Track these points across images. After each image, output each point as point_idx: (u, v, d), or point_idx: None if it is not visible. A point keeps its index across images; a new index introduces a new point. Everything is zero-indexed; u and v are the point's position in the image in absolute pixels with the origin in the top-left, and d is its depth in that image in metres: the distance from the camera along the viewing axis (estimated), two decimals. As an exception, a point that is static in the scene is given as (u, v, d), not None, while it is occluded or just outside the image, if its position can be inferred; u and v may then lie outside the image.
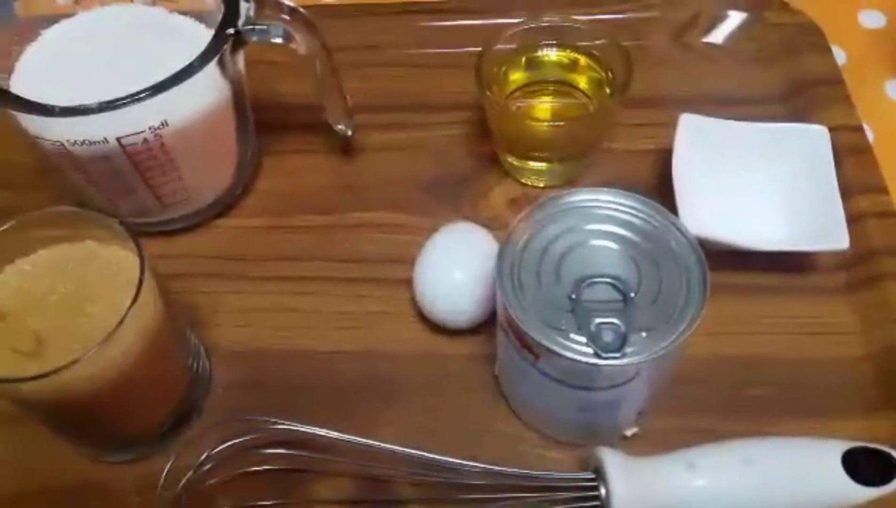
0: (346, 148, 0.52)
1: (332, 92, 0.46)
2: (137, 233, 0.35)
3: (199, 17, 0.46)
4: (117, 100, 0.37)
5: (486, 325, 0.42)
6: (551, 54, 0.48)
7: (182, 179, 0.44)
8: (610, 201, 0.36)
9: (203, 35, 0.45)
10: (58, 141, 0.39)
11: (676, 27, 0.56)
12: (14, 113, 0.39)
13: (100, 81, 0.41)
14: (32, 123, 0.39)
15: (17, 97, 0.38)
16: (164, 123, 0.40)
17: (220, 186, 0.48)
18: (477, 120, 0.52)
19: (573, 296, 0.34)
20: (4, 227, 0.36)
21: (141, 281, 0.34)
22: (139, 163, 0.41)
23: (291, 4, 0.41)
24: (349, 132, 0.48)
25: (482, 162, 0.51)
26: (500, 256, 0.35)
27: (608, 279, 0.34)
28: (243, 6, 0.41)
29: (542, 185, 0.49)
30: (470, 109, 0.52)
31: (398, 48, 0.56)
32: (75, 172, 0.42)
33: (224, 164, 0.47)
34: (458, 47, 0.54)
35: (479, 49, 0.46)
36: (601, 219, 0.36)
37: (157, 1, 0.47)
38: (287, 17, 0.41)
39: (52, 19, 0.46)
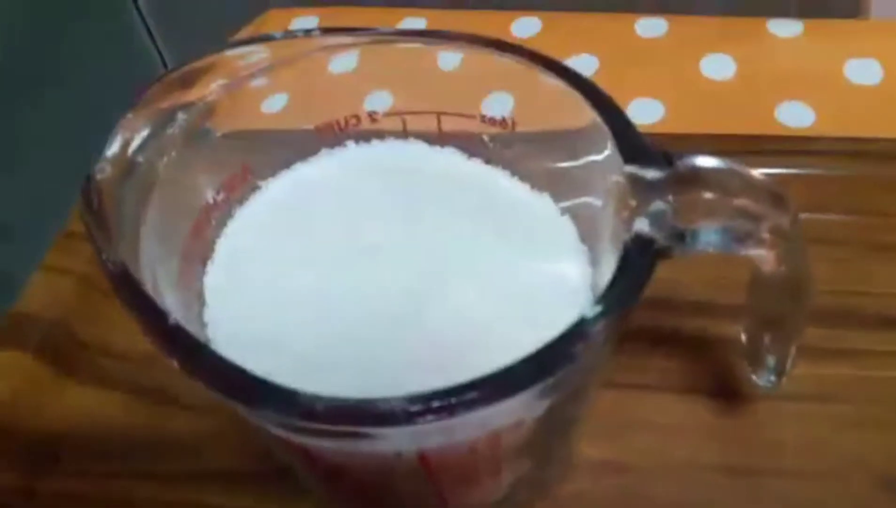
0: (732, 392, 0.30)
1: (783, 324, 0.24)
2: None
3: (535, 175, 0.25)
4: (451, 401, 0.16)
5: None
6: None
7: (500, 480, 0.23)
8: None
9: (543, 210, 0.25)
10: (297, 441, 0.19)
11: None
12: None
13: (377, 305, 0.22)
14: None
15: (223, 369, 0.18)
16: (520, 421, 0.19)
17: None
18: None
19: None
20: None
21: None
22: (440, 472, 0.21)
23: (774, 188, 0.20)
24: (776, 384, 0.26)
25: None
26: None
27: None
28: (657, 176, 0.20)
29: None
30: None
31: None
32: (303, 463, 0.22)
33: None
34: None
35: None
36: None
37: (444, 135, 0.27)
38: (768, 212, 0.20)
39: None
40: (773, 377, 0.25)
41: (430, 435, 0.18)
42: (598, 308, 0.17)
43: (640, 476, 0.28)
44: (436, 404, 0.15)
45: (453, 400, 0.15)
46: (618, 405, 0.30)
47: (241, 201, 0.26)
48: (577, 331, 0.17)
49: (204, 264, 0.24)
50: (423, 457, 0.19)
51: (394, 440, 0.18)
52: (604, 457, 0.29)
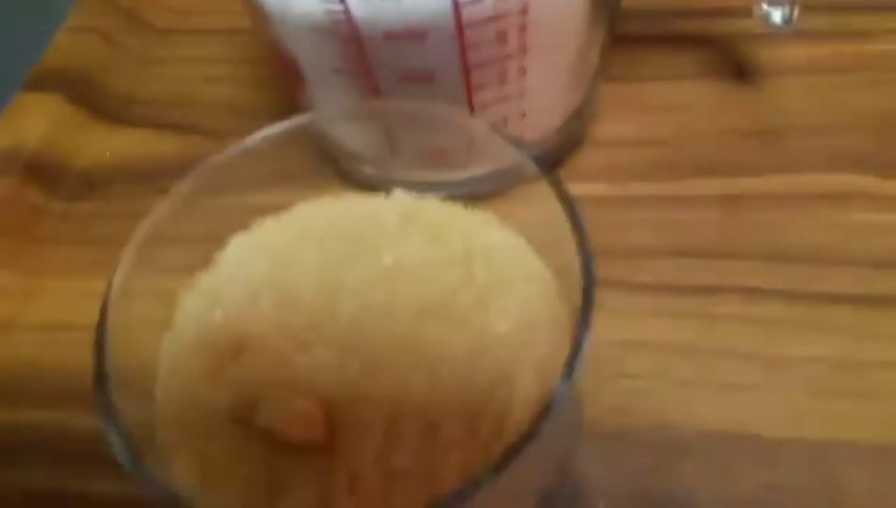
0: (742, 70, 0.31)
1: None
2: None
3: None
4: None
5: None
6: None
7: (524, 98, 0.24)
8: None
9: None
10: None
11: None
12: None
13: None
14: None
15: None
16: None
17: (550, 125, 0.27)
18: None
19: None
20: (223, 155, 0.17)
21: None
22: (471, 54, 0.21)
23: None
24: (787, 20, 0.27)
25: None
26: None
27: None
28: None
29: None
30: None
31: None
32: (330, 69, 0.22)
33: (575, 84, 0.26)
34: None
35: None
36: None
37: None
38: None
39: None
40: (786, 14, 0.26)
41: None
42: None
43: (666, 145, 0.29)
44: None
45: None
46: (634, 93, 0.31)
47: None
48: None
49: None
50: (457, 9, 0.19)
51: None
52: (630, 133, 0.30)
